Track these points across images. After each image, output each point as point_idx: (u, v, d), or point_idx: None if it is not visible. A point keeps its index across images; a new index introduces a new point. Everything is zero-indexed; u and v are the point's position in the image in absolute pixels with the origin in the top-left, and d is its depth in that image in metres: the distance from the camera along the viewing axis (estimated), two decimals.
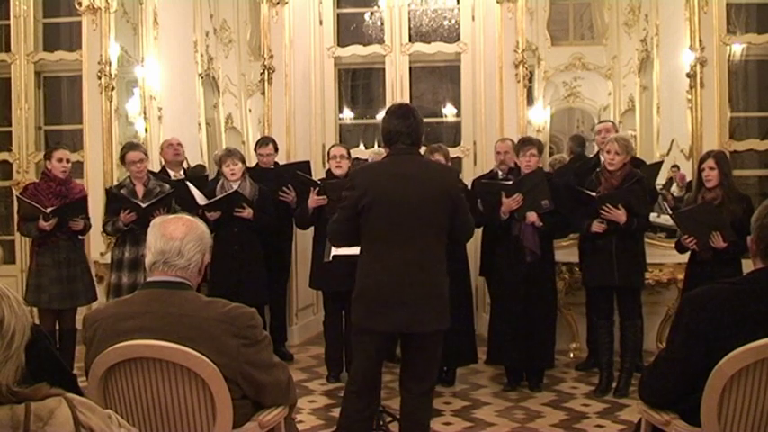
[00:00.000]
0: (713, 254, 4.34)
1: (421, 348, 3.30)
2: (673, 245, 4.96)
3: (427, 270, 3.21)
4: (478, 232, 5.38)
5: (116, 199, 4.90)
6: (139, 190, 4.97)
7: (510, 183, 4.85)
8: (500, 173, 5.28)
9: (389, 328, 3.23)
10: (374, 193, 3.20)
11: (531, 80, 6.13)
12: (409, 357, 3.36)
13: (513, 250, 4.78)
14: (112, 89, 6.14)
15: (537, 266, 4.75)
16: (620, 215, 4.54)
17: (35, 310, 4.88)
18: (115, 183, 5.63)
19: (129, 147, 5.12)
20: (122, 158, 5.06)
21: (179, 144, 5.72)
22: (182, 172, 5.71)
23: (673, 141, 6.06)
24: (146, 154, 5.09)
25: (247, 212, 5.10)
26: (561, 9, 6.83)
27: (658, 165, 5.69)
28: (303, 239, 5.97)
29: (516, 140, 5.14)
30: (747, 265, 2.27)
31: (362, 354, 3.33)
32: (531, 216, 4.68)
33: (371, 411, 3.45)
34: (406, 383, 3.38)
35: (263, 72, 6.25)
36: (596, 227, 4.63)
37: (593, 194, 4.64)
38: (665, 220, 5.62)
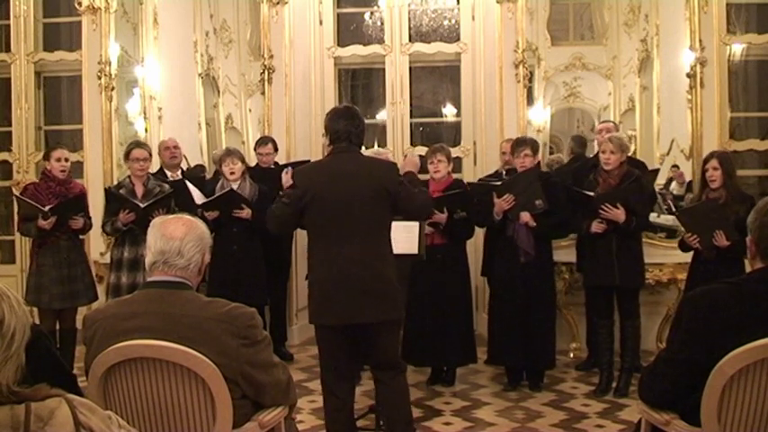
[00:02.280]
0: (716, 253, 4.33)
1: (375, 339, 3.41)
2: (673, 245, 4.97)
3: (369, 264, 3.31)
4: (480, 232, 5.39)
5: (115, 199, 4.90)
6: (139, 190, 4.96)
7: (499, 183, 4.85)
8: (504, 173, 5.28)
9: (336, 322, 3.34)
10: (314, 191, 3.33)
11: (531, 80, 6.13)
12: (368, 350, 3.49)
13: (508, 251, 4.78)
14: (112, 89, 6.14)
15: (534, 267, 4.74)
16: (619, 214, 4.54)
17: (35, 310, 4.88)
18: (115, 183, 5.62)
19: (136, 144, 5.12)
20: (127, 155, 5.05)
21: (175, 147, 5.70)
22: (179, 173, 5.70)
23: (673, 141, 6.06)
24: (150, 154, 5.08)
25: (246, 213, 5.10)
26: (561, 9, 6.84)
27: (655, 171, 5.70)
28: (303, 239, 5.96)
29: None
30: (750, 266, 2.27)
31: (323, 351, 3.48)
32: (525, 216, 4.67)
33: (349, 408, 3.55)
34: (376, 375, 3.54)
35: (263, 72, 6.25)
36: (596, 227, 4.63)
37: (591, 194, 4.64)
38: (665, 220, 5.62)
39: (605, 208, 4.55)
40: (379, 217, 3.37)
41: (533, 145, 4.85)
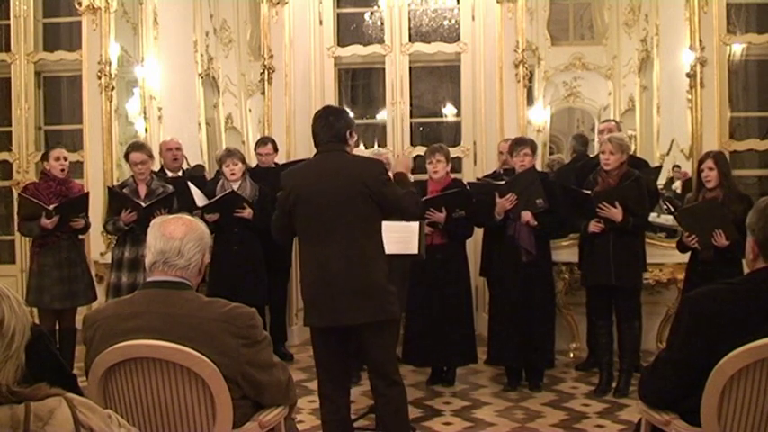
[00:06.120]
0: (714, 253, 4.34)
1: (367, 341, 3.32)
2: (673, 245, 4.96)
3: (355, 263, 3.23)
4: (479, 232, 5.39)
5: (117, 198, 4.91)
6: (142, 190, 4.97)
7: (502, 183, 4.86)
8: (502, 173, 5.29)
9: (325, 323, 3.29)
10: (297, 192, 3.30)
11: (531, 80, 6.13)
12: (362, 352, 3.45)
13: (508, 250, 4.78)
14: (112, 89, 6.14)
15: (534, 266, 4.75)
16: (615, 213, 4.54)
17: (35, 309, 4.88)
18: (116, 182, 5.62)
19: (134, 147, 5.10)
20: (126, 157, 5.06)
21: (178, 149, 5.68)
22: (180, 173, 5.70)
23: (673, 141, 6.07)
24: (150, 156, 5.06)
25: (248, 212, 5.11)
26: (561, 9, 6.83)
27: (658, 168, 5.70)
28: None
29: None
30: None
31: (316, 353, 3.43)
32: (526, 215, 4.68)
33: (343, 412, 3.47)
34: (371, 381, 3.46)
35: (263, 72, 6.26)
36: (593, 227, 4.63)
37: (588, 192, 4.64)
38: (665, 219, 5.62)
39: (603, 206, 4.55)
40: (364, 216, 3.27)
41: (532, 145, 4.87)
